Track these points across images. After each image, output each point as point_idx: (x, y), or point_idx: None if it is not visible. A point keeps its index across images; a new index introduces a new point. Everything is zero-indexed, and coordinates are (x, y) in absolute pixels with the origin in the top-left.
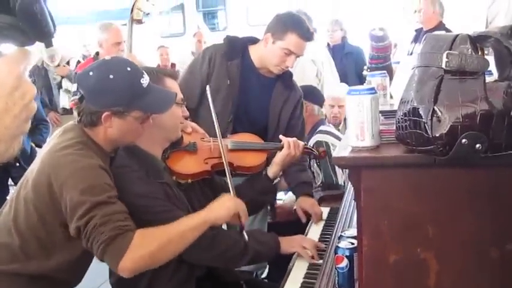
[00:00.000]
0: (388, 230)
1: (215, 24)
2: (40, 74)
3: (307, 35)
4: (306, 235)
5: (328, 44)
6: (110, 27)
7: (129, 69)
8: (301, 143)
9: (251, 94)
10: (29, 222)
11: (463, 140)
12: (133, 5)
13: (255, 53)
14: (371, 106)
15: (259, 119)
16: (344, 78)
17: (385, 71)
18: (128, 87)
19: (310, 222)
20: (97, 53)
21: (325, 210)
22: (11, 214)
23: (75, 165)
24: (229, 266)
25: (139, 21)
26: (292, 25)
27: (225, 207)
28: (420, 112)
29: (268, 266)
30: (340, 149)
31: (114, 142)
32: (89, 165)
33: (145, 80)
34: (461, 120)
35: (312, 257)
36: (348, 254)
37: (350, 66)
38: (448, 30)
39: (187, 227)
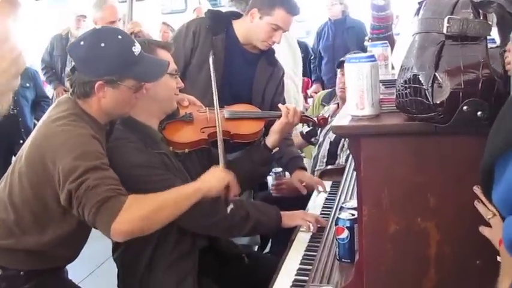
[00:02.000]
0: (388, 200)
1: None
2: (60, 44)
3: (294, 10)
4: (307, 209)
5: (330, 19)
6: (104, 5)
7: (120, 37)
8: (299, 110)
9: (235, 69)
10: (23, 196)
11: (464, 107)
12: None
13: (240, 28)
14: (370, 74)
15: (243, 94)
16: (346, 53)
17: (386, 41)
18: (120, 55)
19: (311, 196)
20: None
21: (327, 184)
22: (6, 189)
23: (68, 134)
24: (231, 234)
25: None
26: (280, 0)
27: (217, 178)
28: (421, 79)
29: (271, 240)
30: (340, 118)
31: (108, 113)
32: (81, 133)
33: (136, 49)
34: (462, 86)
35: (313, 231)
36: (348, 225)
37: (352, 40)
38: None
39: (180, 194)
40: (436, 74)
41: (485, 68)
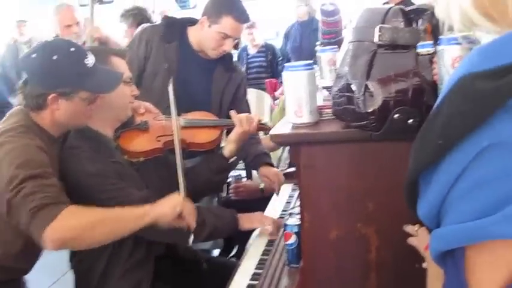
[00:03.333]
0: (329, 206)
1: (186, 1)
2: (11, 53)
3: (243, 18)
4: (266, 211)
5: (297, 21)
6: (60, 9)
7: (72, 49)
8: (256, 118)
9: (191, 77)
10: None
11: (396, 116)
12: None
13: (193, 36)
14: (308, 82)
15: (202, 101)
16: (312, 55)
17: (336, 46)
18: (72, 67)
19: (270, 198)
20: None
21: (288, 187)
22: None
23: (12, 144)
24: (186, 241)
25: (101, 1)
26: (227, 8)
27: (170, 205)
28: (353, 87)
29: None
30: (279, 126)
31: (62, 125)
32: (25, 143)
33: (90, 60)
34: (393, 95)
35: (272, 234)
36: (296, 231)
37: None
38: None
39: (126, 214)
40: (367, 83)
41: (415, 76)
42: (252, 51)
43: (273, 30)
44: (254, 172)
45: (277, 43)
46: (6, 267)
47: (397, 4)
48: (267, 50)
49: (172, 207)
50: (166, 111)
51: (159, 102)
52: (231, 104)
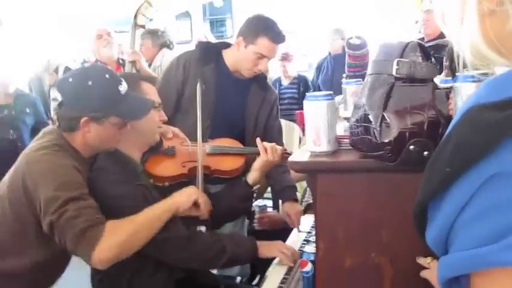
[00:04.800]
0: (344, 235)
1: (223, 32)
2: (36, 84)
3: (278, 38)
4: (288, 241)
5: (329, 53)
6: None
7: (107, 76)
8: (279, 148)
9: (228, 98)
10: (4, 220)
11: (411, 147)
12: (137, 11)
13: (229, 57)
14: (327, 112)
15: (237, 122)
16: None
17: (360, 79)
18: (106, 93)
19: (293, 229)
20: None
21: (311, 218)
22: None
23: (50, 164)
24: (207, 267)
25: (143, 27)
26: (263, 29)
27: (185, 194)
28: (370, 118)
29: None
30: (298, 154)
31: (92, 147)
32: (62, 163)
33: (123, 88)
34: (409, 126)
35: (290, 262)
36: (312, 259)
37: None
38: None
39: (153, 213)
40: (384, 114)
41: (431, 109)
42: (284, 82)
43: (306, 62)
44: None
45: (310, 75)
46: (30, 278)
47: (433, 40)
48: (300, 81)
49: (188, 196)
50: (206, 130)
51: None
52: (266, 124)
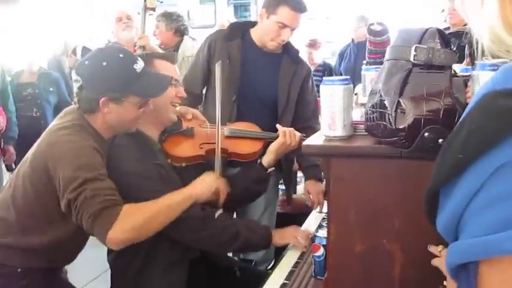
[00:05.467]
0: (356, 220)
1: (247, 17)
2: (54, 66)
3: (299, 7)
4: (304, 225)
5: (353, 40)
6: (115, 9)
7: (121, 55)
8: (298, 134)
9: (257, 71)
10: (26, 197)
11: (426, 134)
12: None
13: (255, 33)
14: (343, 96)
15: (269, 96)
16: None
17: (380, 65)
18: (121, 72)
19: (309, 213)
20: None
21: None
22: (10, 189)
23: (70, 144)
24: (220, 249)
25: (153, 9)
26: None
27: (206, 183)
28: (386, 104)
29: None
30: (312, 138)
31: (112, 128)
32: (83, 145)
33: (138, 66)
34: (424, 113)
35: (304, 247)
36: (324, 243)
37: None
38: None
39: (173, 201)
40: (400, 100)
41: (448, 96)
42: None
43: (329, 49)
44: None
45: (332, 62)
46: (49, 255)
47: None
48: (325, 69)
49: (209, 187)
50: (232, 105)
51: (225, 99)
52: (299, 97)
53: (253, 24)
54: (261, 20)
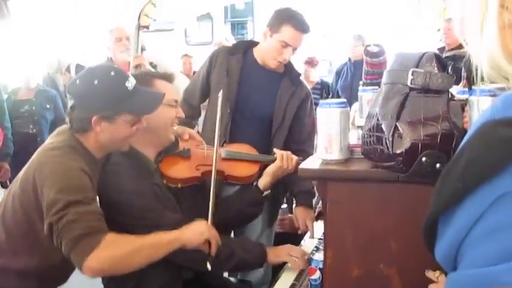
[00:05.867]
0: (352, 244)
1: (244, 34)
2: (49, 84)
3: (302, 27)
4: (300, 245)
5: (350, 59)
6: (114, 27)
7: (113, 73)
8: (295, 157)
9: (255, 87)
10: (15, 218)
11: (423, 159)
12: (140, 12)
13: (258, 51)
14: (340, 119)
15: (264, 112)
16: None
17: (377, 87)
18: (113, 90)
19: (305, 234)
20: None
21: (322, 225)
22: (1, 209)
23: (58, 165)
24: (214, 270)
25: (147, 27)
26: (288, 17)
27: (198, 232)
28: (383, 128)
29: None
30: (309, 161)
31: (105, 147)
32: (70, 167)
33: (130, 83)
34: (422, 138)
35: (300, 267)
36: (321, 266)
37: None
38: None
39: (158, 240)
40: (397, 124)
41: (445, 121)
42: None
43: (326, 67)
44: None
45: (330, 80)
46: (42, 276)
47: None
48: (323, 87)
49: (199, 234)
50: (228, 117)
51: (221, 116)
52: (295, 117)
53: (258, 44)
54: (264, 38)
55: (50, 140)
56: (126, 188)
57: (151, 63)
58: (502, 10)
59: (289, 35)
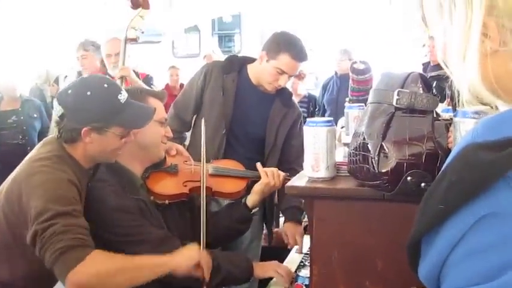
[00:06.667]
0: (338, 261)
1: (231, 47)
2: (37, 94)
3: (300, 56)
4: (285, 262)
5: (336, 73)
6: (109, 38)
7: (106, 85)
8: (282, 174)
9: (249, 108)
10: None
11: (408, 178)
12: (128, 25)
13: (252, 71)
14: (326, 138)
15: (256, 133)
16: None
17: (363, 104)
18: (105, 103)
19: (292, 249)
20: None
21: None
22: None
23: (46, 176)
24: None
25: (135, 40)
26: (286, 45)
27: (188, 257)
28: (369, 147)
29: None
30: (296, 179)
31: (92, 158)
32: (59, 177)
33: (122, 96)
34: (407, 157)
35: (285, 283)
36: (307, 283)
37: None
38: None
39: (146, 263)
40: (383, 143)
41: (430, 141)
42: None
43: (312, 81)
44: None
45: (317, 94)
46: (27, 287)
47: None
48: (310, 100)
49: (190, 260)
50: (222, 138)
51: (215, 132)
52: (285, 141)
53: (252, 60)
54: (260, 61)
55: (36, 151)
56: (110, 204)
57: (135, 71)
58: (484, 38)
59: (286, 63)
